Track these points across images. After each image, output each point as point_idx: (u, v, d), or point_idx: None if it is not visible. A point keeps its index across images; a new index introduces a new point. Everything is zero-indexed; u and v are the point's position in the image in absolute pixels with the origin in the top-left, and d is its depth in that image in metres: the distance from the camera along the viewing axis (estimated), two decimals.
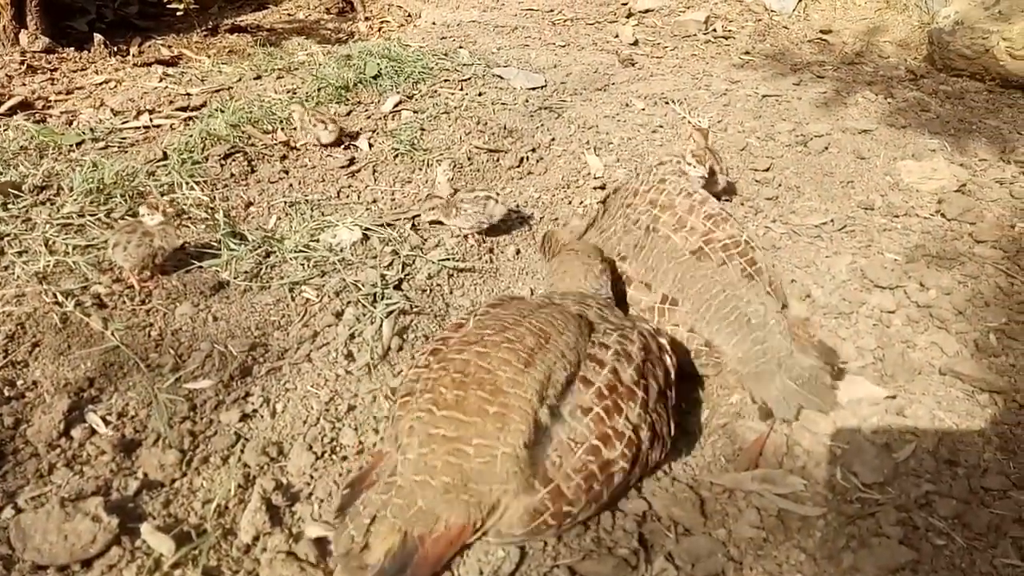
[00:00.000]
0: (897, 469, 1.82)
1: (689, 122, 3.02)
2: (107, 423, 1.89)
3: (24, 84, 3.85)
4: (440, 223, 2.77)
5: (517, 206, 2.97)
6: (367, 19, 6.30)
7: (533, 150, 3.37)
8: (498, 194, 2.73)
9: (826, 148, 3.48)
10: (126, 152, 3.15)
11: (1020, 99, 4.15)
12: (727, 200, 3.01)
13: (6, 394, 1.95)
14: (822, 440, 1.89)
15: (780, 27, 5.35)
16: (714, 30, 5.26)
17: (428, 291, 2.46)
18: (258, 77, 4.11)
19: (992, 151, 3.48)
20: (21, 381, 2.01)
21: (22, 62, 4.12)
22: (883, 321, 2.35)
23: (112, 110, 3.54)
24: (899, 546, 1.61)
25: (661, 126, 3.66)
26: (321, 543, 1.60)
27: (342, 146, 3.33)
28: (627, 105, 3.89)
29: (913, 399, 2.03)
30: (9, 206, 2.63)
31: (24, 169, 2.88)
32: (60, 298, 2.25)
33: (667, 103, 3.92)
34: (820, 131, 3.62)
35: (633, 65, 4.50)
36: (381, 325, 2.23)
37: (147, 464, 1.78)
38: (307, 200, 2.92)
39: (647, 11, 5.67)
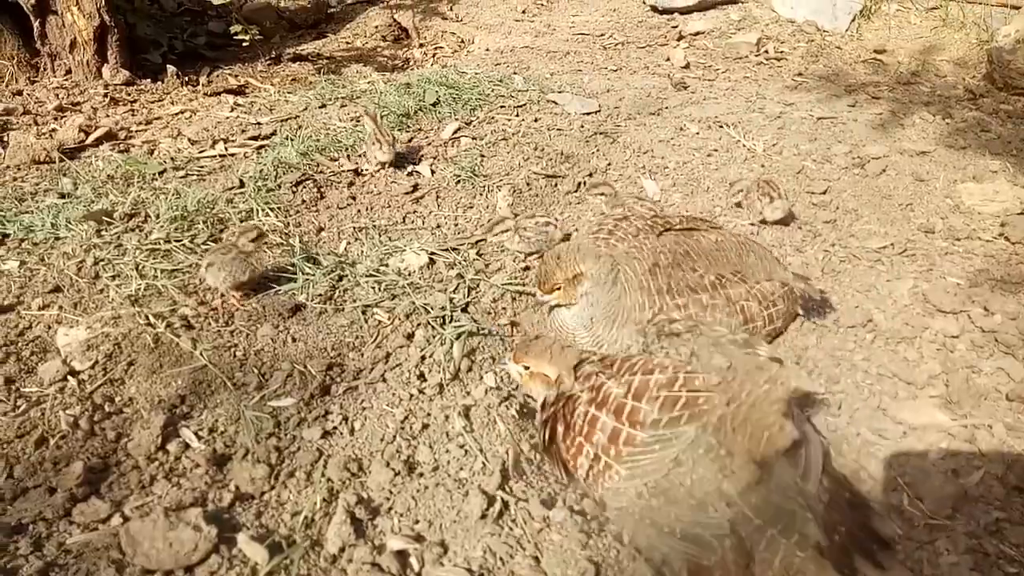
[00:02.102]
0: (965, 496, 1.83)
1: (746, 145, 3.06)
2: (199, 438, 2.02)
3: (108, 116, 4.11)
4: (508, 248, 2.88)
5: (576, 230, 3.05)
6: (421, 46, 6.50)
7: (590, 175, 3.45)
8: (556, 219, 2.82)
9: (884, 170, 3.47)
10: (204, 180, 3.34)
11: None
12: (784, 226, 3.04)
13: (106, 409, 2.11)
14: (888, 465, 1.91)
15: (833, 47, 5.35)
16: (766, 51, 5.28)
17: (494, 313, 2.55)
18: (323, 106, 4.29)
19: None
20: (119, 397, 2.16)
21: (105, 95, 4.38)
22: (947, 346, 2.35)
23: (189, 139, 3.75)
24: (971, 573, 1.63)
25: (716, 150, 3.70)
26: (402, 556, 1.69)
27: (406, 172, 3.47)
28: (681, 129, 3.95)
29: (980, 425, 2.03)
30: (103, 232, 2.82)
31: (113, 197, 3.08)
32: (152, 320, 2.41)
33: (721, 127, 3.96)
34: (877, 153, 3.62)
35: (686, 88, 4.56)
36: (451, 347, 2.33)
37: (239, 477, 1.89)
38: (375, 225, 3.06)
39: (697, 33, 5.73)
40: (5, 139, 3.60)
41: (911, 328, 2.42)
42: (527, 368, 1.98)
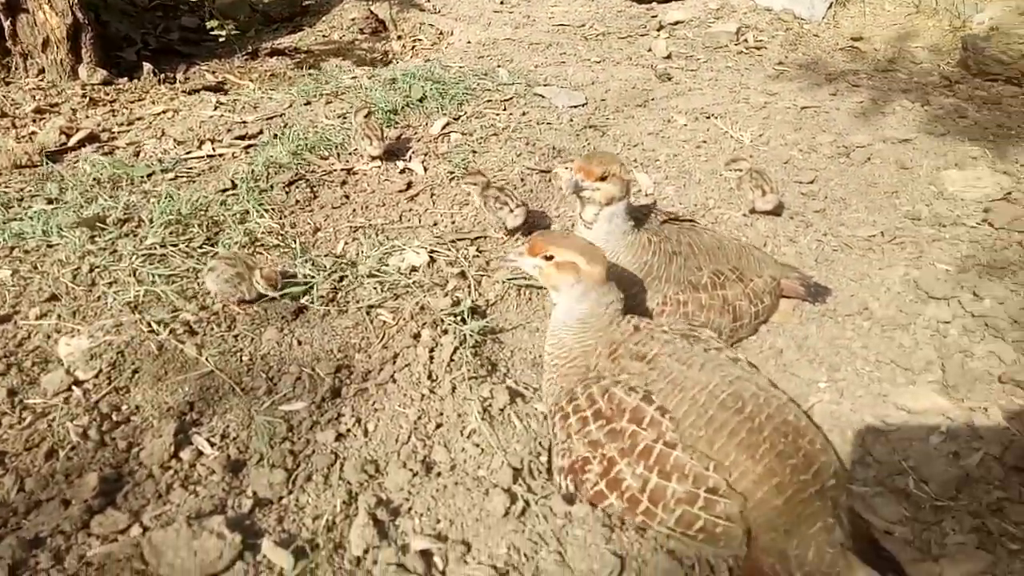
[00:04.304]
0: (967, 477, 1.90)
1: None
2: (212, 444, 2.01)
3: (88, 117, 4.02)
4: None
5: (572, 225, 3.07)
6: (399, 38, 6.44)
7: None
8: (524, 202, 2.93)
9: (868, 159, 3.55)
10: (194, 182, 3.29)
11: None
12: (776, 216, 3.09)
13: (114, 418, 2.09)
14: (893, 450, 1.97)
15: (811, 35, 5.42)
16: (746, 40, 5.34)
17: (499, 310, 2.56)
18: (308, 103, 4.25)
19: None
20: (126, 406, 2.14)
21: (83, 95, 4.29)
22: (940, 332, 2.43)
23: (175, 140, 3.69)
24: (976, 551, 1.69)
25: (705, 141, 3.75)
26: (427, 555, 1.71)
27: (399, 169, 3.46)
28: (669, 121, 3.98)
29: (976, 408, 2.11)
30: (96, 239, 2.77)
31: (104, 201, 3.03)
32: (154, 326, 2.39)
33: (708, 118, 4.00)
34: (861, 142, 3.70)
35: (670, 79, 4.59)
36: (458, 346, 2.34)
37: (256, 483, 1.90)
38: (371, 224, 3.05)
39: (677, 23, 5.76)
40: None
41: (905, 315, 2.49)
42: (550, 258, 1.90)
